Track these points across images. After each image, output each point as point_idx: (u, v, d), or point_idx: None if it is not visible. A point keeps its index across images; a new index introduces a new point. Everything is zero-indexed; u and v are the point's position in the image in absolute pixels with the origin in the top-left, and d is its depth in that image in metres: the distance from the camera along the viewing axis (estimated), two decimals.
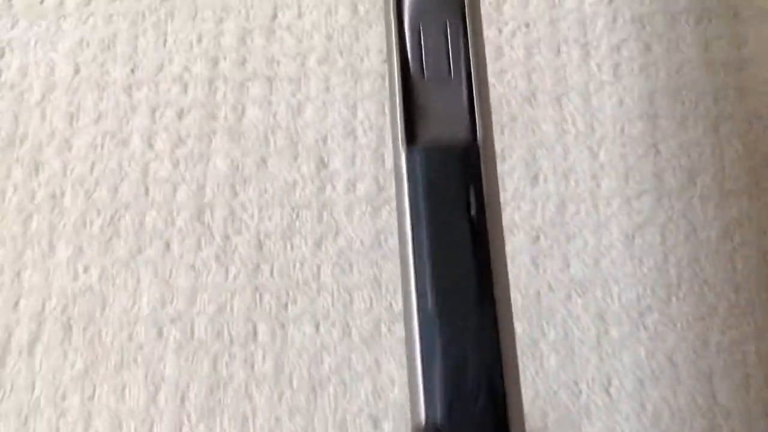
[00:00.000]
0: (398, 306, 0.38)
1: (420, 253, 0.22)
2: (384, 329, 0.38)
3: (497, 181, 0.23)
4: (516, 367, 0.22)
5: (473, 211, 0.22)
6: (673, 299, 0.37)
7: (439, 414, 0.21)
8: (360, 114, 0.42)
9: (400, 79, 0.24)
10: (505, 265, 0.23)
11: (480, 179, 0.22)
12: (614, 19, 0.42)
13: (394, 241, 0.39)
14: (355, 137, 0.41)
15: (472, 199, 0.22)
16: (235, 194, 0.41)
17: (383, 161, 0.41)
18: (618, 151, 0.40)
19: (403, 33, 0.24)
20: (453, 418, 0.21)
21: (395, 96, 0.24)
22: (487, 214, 0.22)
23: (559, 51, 0.42)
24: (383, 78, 0.42)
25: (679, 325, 0.37)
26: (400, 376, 0.37)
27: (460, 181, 0.23)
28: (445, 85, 0.24)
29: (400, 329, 0.38)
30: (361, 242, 0.39)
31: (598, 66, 0.41)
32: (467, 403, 0.21)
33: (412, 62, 0.24)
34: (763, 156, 0.39)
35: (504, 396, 0.21)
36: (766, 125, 0.40)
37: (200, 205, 0.41)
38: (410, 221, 0.23)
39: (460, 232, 0.22)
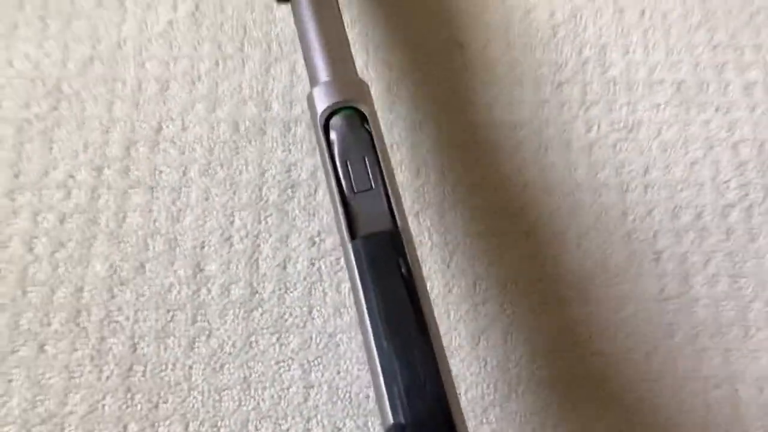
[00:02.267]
0: (266, 405, 0.40)
1: (371, 307, 0.31)
2: (251, 428, 0.39)
3: (416, 254, 0.33)
4: (450, 376, 0.30)
5: (404, 272, 0.31)
6: (513, 396, 0.40)
7: (401, 415, 0.29)
8: (237, 222, 0.43)
9: (338, 195, 0.33)
10: (431, 307, 0.31)
11: (405, 252, 0.32)
12: None
13: (264, 343, 0.41)
14: (231, 244, 0.43)
15: (402, 265, 0.31)
16: (113, 297, 0.41)
17: (257, 266, 0.42)
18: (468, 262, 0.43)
19: (336, 165, 0.34)
20: (412, 416, 0.29)
21: (337, 206, 0.33)
22: (414, 274, 0.31)
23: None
24: (260, 189, 0.44)
25: (518, 419, 0.40)
26: None
27: (392, 254, 0.32)
28: (370, 195, 0.33)
29: (267, 427, 0.39)
30: (233, 344, 0.41)
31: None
32: (420, 404, 0.29)
33: (345, 183, 0.34)
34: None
35: (445, 395, 0.29)
36: None
37: (77, 308, 0.41)
38: (361, 288, 0.31)
39: (398, 289, 0.31)
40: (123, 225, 0.43)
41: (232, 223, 0.44)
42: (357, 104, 0.36)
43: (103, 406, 0.39)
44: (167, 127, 0.46)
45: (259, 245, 0.43)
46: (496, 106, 0.48)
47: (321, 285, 0.42)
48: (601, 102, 0.48)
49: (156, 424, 0.39)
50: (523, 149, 0.47)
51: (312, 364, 0.41)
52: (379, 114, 0.39)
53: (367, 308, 0.31)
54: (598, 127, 0.47)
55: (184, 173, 0.45)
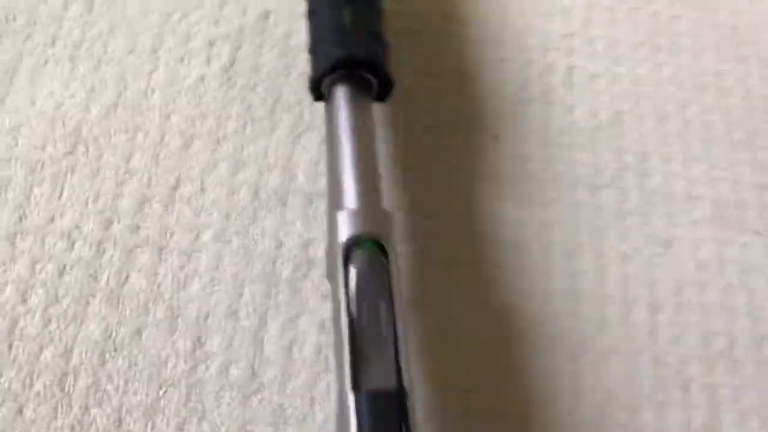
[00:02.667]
0: None
1: None
2: None
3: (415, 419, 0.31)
4: None
5: None
6: None
7: None
8: (246, 295, 0.41)
9: (349, 337, 0.32)
10: None
11: (407, 415, 0.31)
12: None
13: None
14: (237, 319, 0.40)
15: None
16: (103, 362, 0.38)
17: (261, 347, 0.40)
18: None
19: (349, 303, 0.33)
20: None
21: (344, 351, 0.32)
22: None
23: None
24: (274, 263, 0.42)
25: None
26: None
27: (394, 419, 0.31)
28: (379, 343, 0.32)
29: None
30: (226, 430, 0.38)
31: None
32: None
33: (357, 326, 0.32)
34: None
35: None
36: None
37: (64, 370, 0.38)
38: None
39: None
40: (125, 285, 0.41)
41: (240, 295, 0.41)
42: (381, 239, 0.35)
43: None
44: (185, 185, 0.44)
45: (266, 323, 0.41)
46: (528, 203, 0.46)
47: (326, 376, 0.39)
48: (638, 212, 0.46)
49: None
50: (553, 251, 0.44)
51: None
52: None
53: None
54: (634, 237, 0.45)
55: (197, 237, 0.42)
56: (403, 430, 0.30)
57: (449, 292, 0.42)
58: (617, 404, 0.40)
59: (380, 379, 0.32)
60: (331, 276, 0.36)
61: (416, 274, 0.43)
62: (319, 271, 0.42)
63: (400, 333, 0.33)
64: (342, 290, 0.34)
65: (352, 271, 0.34)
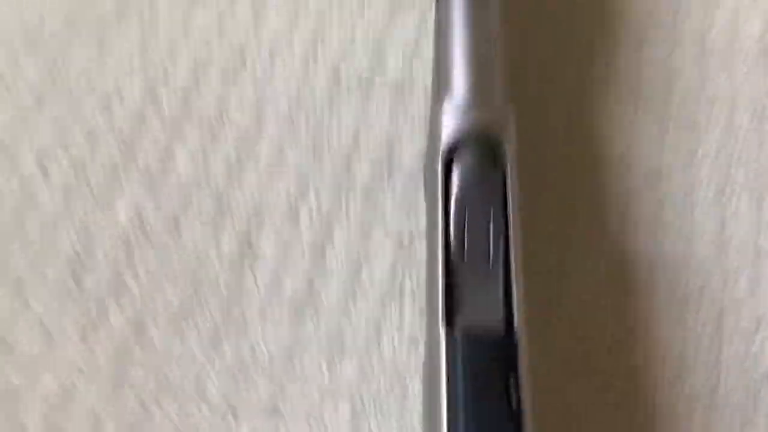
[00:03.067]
0: None
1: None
2: None
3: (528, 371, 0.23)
4: None
5: (513, 404, 0.22)
6: None
7: None
8: (310, 197, 0.33)
9: (443, 258, 0.25)
10: None
11: (518, 367, 0.23)
12: None
13: (307, 362, 0.30)
14: (297, 223, 0.33)
15: (512, 388, 0.23)
16: (129, 254, 0.31)
17: (323, 260, 0.32)
18: None
19: (448, 216, 0.25)
20: None
21: (437, 273, 0.25)
22: (524, 405, 0.22)
23: None
24: (348, 162, 0.34)
25: None
26: None
27: (499, 368, 0.23)
28: (483, 273, 0.25)
29: None
30: (269, 355, 0.30)
31: None
32: None
33: (455, 245, 0.25)
34: None
35: None
36: None
37: (81, 257, 0.31)
38: (446, 406, 0.23)
39: (501, 422, 0.22)
40: (167, 169, 0.33)
41: (303, 196, 0.33)
42: (495, 140, 0.27)
43: (78, 392, 0.29)
44: (252, 58, 0.36)
45: (332, 233, 0.32)
46: (675, 125, 0.36)
47: (400, 303, 0.31)
48: None
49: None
50: (700, 187, 0.34)
51: (367, 405, 0.29)
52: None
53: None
54: None
55: (258, 119, 0.34)
56: (511, 384, 0.23)
57: (563, 230, 0.33)
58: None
59: (483, 316, 0.24)
60: (428, 183, 0.28)
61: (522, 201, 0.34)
62: (403, 177, 0.34)
63: (514, 260, 0.25)
64: (440, 201, 0.26)
65: (456, 177, 0.26)
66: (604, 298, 0.32)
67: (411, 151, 0.34)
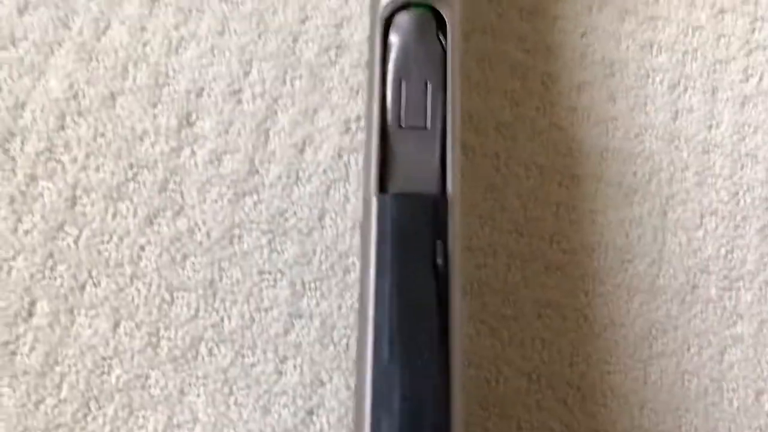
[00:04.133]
0: (231, 325, 0.28)
1: (381, 296, 0.22)
2: (203, 349, 0.27)
3: (459, 235, 0.23)
4: (462, 411, 0.21)
5: (439, 262, 0.22)
6: None
7: None
8: (254, 74, 0.31)
9: (378, 123, 0.24)
10: (462, 319, 0.22)
11: (447, 231, 0.22)
12: None
13: (250, 242, 0.29)
14: (239, 101, 0.31)
15: (439, 250, 0.22)
16: (62, 127, 0.30)
17: (266, 139, 0.30)
18: None
19: (385, 80, 0.24)
20: None
21: (371, 139, 0.24)
22: (450, 266, 0.22)
23: None
24: (295, 40, 0.32)
25: None
26: None
27: (429, 231, 0.22)
28: (421, 136, 0.24)
29: (225, 354, 0.27)
30: (207, 232, 0.29)
31: None
32: None
33: (392, 110, 0.24)
34: None
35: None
36: None
37: (11, 129, 0.29)
38: (374, 267, 0.22)
39: (425, 282, 0.22)
40: (101, 38, 0.31)
41: (247, 74, 0.31)
42: (437, 3, 0.25)
43: (11, 268, 0.28)
44: None
45: (275, 112, 0.31)
46: (632, 16, 0.35)
47: (345, 186, 0.30)
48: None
49: (76, 310, 0.27)
50: (655, 80, 0.34)
51: (308, 286, 0.29)
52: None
53: (376, 295, 0.22)
54: (762, 74, 0.34)
55: None
56: (438, 249, 0.22)
57: (512, 111, 0.32)
58: (708, 275, 0.31)
59: (415, 180, 0.24)
60: (369, 52, 0.27)
61: (481, 78, 0.33)
62: (351, 58, 0.32)
63: (450, 125, 0.24)
64: (377, 65, 0.25)
65: (392, 39, 0.25)
66: (551, 187, 0.32)
67: (363, 28, 0.33)
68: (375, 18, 0.26)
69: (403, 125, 0.24)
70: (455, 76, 0.25)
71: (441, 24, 0.25)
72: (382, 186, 0.23)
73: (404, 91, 0.24)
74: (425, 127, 0.24)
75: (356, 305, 0.29)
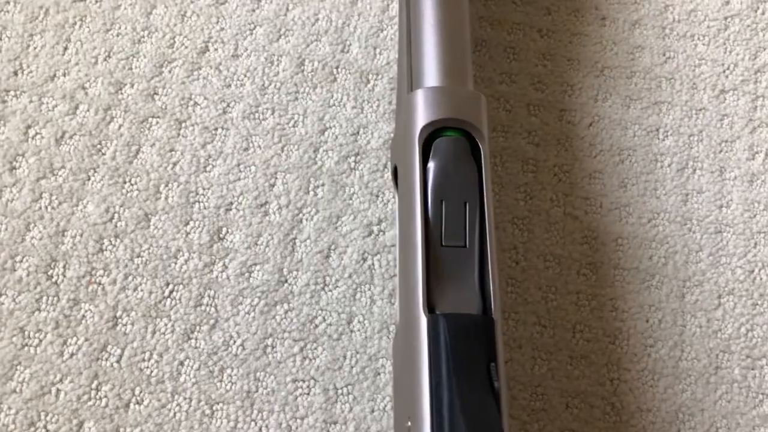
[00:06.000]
0: None
1: (440, 423, 0.22)
2: None
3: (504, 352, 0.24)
4: None
5: (496, 385, 0.22)
6: None
7: None
8: (278, 186, 0.33)
9: (422, 243, 0.24)
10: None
11: (497, 352, 0.23)
12: None
13: (282, 351, 0.30)
14: (266, 213, 0.32)
15: (494, 373, 0.22)
16: (101, 250, 0.31)
17: (293, 249, 0.31)
18: None
19: (427, 202, 0.25)
20: None
21: (415, 260, 0.24)
22: (501, 385, 0.22)
23: None
24: (315, 151, 0.33)
25: None
26: None
27: (481, 353, 0.23)
28: (461, 255, 0.24)
29: None
30: (242, 344, 0.30)
31: None
32: None
33: (433, 231, 0.25)
34: None
35: None
36: None
37: (53, 255, 0.31)
38: (428, 386, 0.23)
39: (485, 404, 0.22)
40: (134, 161, 0.33)
41: (272, 186, 0.33)
42: (470, 127, 0.26)
43: (59, 391, 0.29)
44: (215, 49, 0.35)
45: (300, 221, 0.32)
46: (636, 102, 0.36)
47: (370, 289, 0.31)
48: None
49: (121, 429, 0.28)
50: (663, 163, 0.35)
51: (340, 391, 0.29)
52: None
53: (432, 417, 0.22)
54: (765, 154, 0.35)
55: (224, 111, 0.34)
56: (492, 367, 0.23)
57: (528, 204, 0.33)
58: (730, 355, 0.31)
59: (460, 301, 0.24)
60: (401, 170, 0.28)
61: (494, 175, 0.34)
62: (369, 164, 0.34)
63: (490, 246, 0.25)
64: (418, 189, 0.26)
65: (433, 165, 0.26)
66: (570, 276, 0.32)
67: (379, 135, 0.34)
68: (412, 138, 0.27)
69: (444, 244, 0.25)
70: (489, 195, 0.26)
71: (473, 146, 0.26)
72: (431, 305, 0.24)
73: (444, 212, 0.25)
74: (465, 246, 0.25)
75: (388, 408, 0.29)
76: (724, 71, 0.37)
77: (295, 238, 0.32)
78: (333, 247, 0.32)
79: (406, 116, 0.28)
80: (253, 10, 0.36)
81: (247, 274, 0.31)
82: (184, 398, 0.29)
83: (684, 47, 0.37)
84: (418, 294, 0.24)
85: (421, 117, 0.27)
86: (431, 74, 0.29)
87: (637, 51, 0.37)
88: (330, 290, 0.31)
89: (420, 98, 0.27)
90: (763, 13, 0.38)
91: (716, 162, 0.35)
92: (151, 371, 0.29)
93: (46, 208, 0.32)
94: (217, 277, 0.31)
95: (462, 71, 0.29)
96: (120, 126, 0.33)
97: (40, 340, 0.30)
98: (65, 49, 0.35)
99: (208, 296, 0.31)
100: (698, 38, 0.37)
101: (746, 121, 0.36)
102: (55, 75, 0.34)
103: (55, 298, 0.30)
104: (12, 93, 0.34)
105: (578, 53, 0.37)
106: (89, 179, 0.32)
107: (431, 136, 0.27)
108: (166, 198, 0.32)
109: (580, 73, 0.36)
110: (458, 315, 0.24)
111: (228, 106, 0.34)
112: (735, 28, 0.38)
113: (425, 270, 0.24)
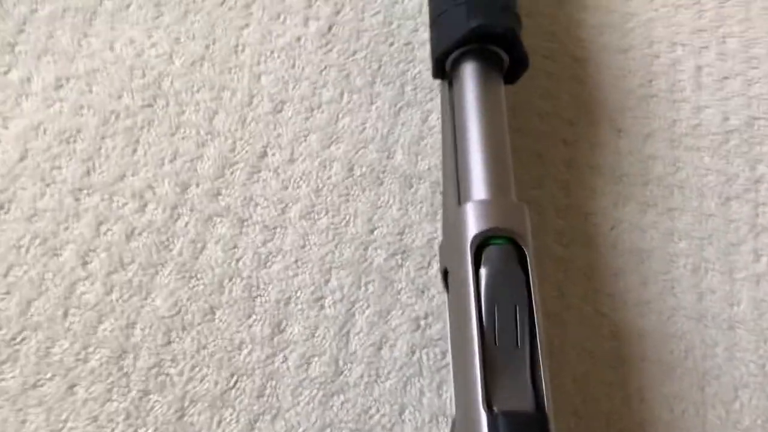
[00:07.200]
0: None
1: None
2: None
3: None
4: None
5: None
6: None
7: None
8: (333, 282, 0.35)
9: (479, 346, 0.26)
10: None
11: None
12: None
13: None
14: (322, 306, 0.34)
15: None
16: (169, 342, 0.32)
17: (347, 341, 0.33)
18: None
19: (481, 307, 0.27)
20: None
21: (473, 360, 0.26)
22: None
23: None
24: (366, 248, 0.36)
25: None
26: None
27: None
28: (513, 355, 0.27)
29: None
30: None
31: None
32: None
33: (487, 333, 0.27)
34: None
35: None
36: None
37: (123, 347, 0.32)
38: None
39: None
40: (199, 257, 0.35)
41: (327, 281, 0.35)
42: (516, 235, 0.29)
43: None
44: (273, 154, 0.38)
45: (354, 315, 0.34)
46: (652, 208, 0.39)
47: (419, 381, 0.33)
48: None
49: None
50: (678, 264, 0.37)
51: None
52: None
53: None
54: None
55: (283, 211, 0.36)
56: None
57: (560, 301, 0.36)
58: None
59: (516, 398, 0.26)
60: (452, 274, 0.30)
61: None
62: (414, 261, 0.36)
63: (539, 345, 0.27)
64: (472, 293, 0.28)
65: (484, 271, 0.28)
66: (599, 371, 0.35)
67: (423, 234, 0.37)
68: (464, 247, 0.29)
69: (498, 344, 0.27)
70: (537, 298, 0.28)
71: (520, 253, 0.29)
72: (489, 402, 0.26)
73: (497, 315, 0.27)
74: (517, 346, 0.27)
75: None
76: (727, 180, 0.40)
77: (349, 331, 0.34)
78: (384, 340, 0.34)
79: (457, 226, 0.30)
80: (307, 119, 0.39)
81: (305, 366, 0.33)
82: None
83: (691, 158, 0.41)
84: (477, 392, 0.26)
85: (472, 228, 0.29)
86: (479, 188, 0.31)
87: (650, 160, 0.40)
88: (383, 382, 0.33)
89: (470, 211, 0.30)
90: (758, 129, 0.42)
91: (726, 264, 0.38)
92: None
93: (117, 301, 0.33)
94: (278, 368, 0.33)
95: (505, 183, 0.32)
96: (186, 224, 0.35)
97: (112, 430, 0.31)
98: (134, 150, 0.37)
99: (270, 387, 0.32)
100: (704, 150, 0.41)
101: (750, 227, 0.39)
102: (124, 175, 0.36)
103: (126, 389, 0.32)
104: (85, 191, 0.36)
105: (598, 161, 0.40)
106: (157, 274, 0.34)
107: (481, 244, 0.29)
108: (230, 292, 0.34)
109: (601, 180, 0.40)
110: (515, 413, 0.26)
111: (286, 206, 0.37)
112: (735, 142, 0.42)
113: (482, 368, 0.26)
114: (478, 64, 0.34)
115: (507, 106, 0.38)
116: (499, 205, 0.30)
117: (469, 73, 0.34)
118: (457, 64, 0.35)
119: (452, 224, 0.30)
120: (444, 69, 0.35)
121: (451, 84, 0.35)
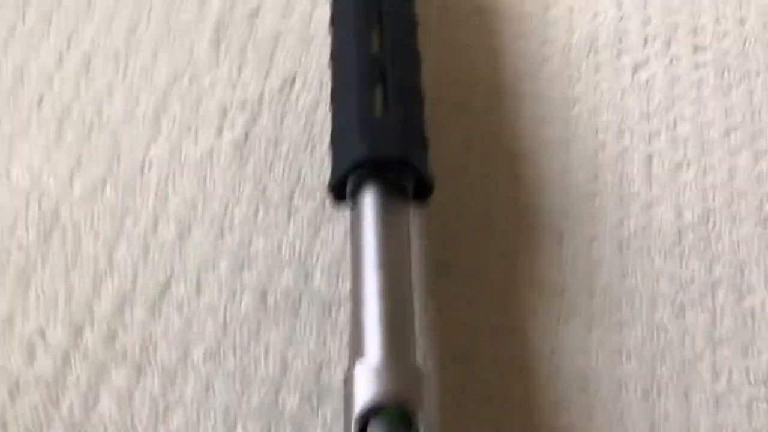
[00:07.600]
0: None
1: None
2: None
3: None
4: None
5: None
6: None
7: None
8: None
9: None
10: None
11: None
12: None
13: None
14: None
15: None
16: None
17: None
18: None
19: None
20: None
21: None
22: None
23: None
24: (277, 392, 0.32)
25: None
26: None
27: None
28: None
29: None
30: None
31: None
32: None
33: None
34: None
35: None
36: None
37: None
38: None
39: None
40: (91, 415, 0.31)
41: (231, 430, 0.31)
42: (408, 407, 0.25)
43: None
44: (177, 286, 0.35)
45: None
46: (598, 324, 0.35)
47: None
48: (734, 340, 0.35)
49: None
50: (628, 388, 0.34)
51: None
52: None
53: None
54: (730, 375, 0.34)
55: (186, 354, 0.33)
56: None
57: None
58: None
59: None
60: None
61: (454, 418, 0.33)
62: (333, 404, 0.33)
63: None
64: None
65: None
66: None
67: (341, 374, 0.33)
68: (350, 417, 0.26)
69: None
70: None
71: (413, 425, 0.26)
72: None
73: None
74: None
75: None
76: (681, 286, 0.37)
77: None
78: None
79: (346, 392, 0.27)
80: (216, 244, 0.36)
81: None
82: None
83: (642, 262, 0.37)
84: None
85: (359, 399, 0.26)
86: (372, 347, 0.28)
87: (596, 268, 0.37)
88: None
89: (358, 377, 0.26)
90: (714, 224, 0.39)
91: (681, 385, 0.34)
92: None
93: None
94: None
95: (402, 342, 0.28)
96: (78, 375, 0.32)
97: None
98: (26, 292, 0.34)
99: None
100: (655, 252, 0.38)
101: (707, 339, 0.36)
102: (12, 320, 0.33)
103: None
104: None
105: (538, 275, 0.37)
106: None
107: (369, 418, 0.26)
108: None
109: (542, 296, 0.36)
110: None
111: (188, 348, 0.33)
112: (689, 241, 0.38)
113: None
114: (378, 188, 0.31)
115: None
116: (391, 371, 0.26)
117: (367, 200, 0.31)
118: (356, 188, 0.31)
119: (345, 390, 0.27)
120: (343, 194, 0.32)
121: (353, 209, 0.32)
